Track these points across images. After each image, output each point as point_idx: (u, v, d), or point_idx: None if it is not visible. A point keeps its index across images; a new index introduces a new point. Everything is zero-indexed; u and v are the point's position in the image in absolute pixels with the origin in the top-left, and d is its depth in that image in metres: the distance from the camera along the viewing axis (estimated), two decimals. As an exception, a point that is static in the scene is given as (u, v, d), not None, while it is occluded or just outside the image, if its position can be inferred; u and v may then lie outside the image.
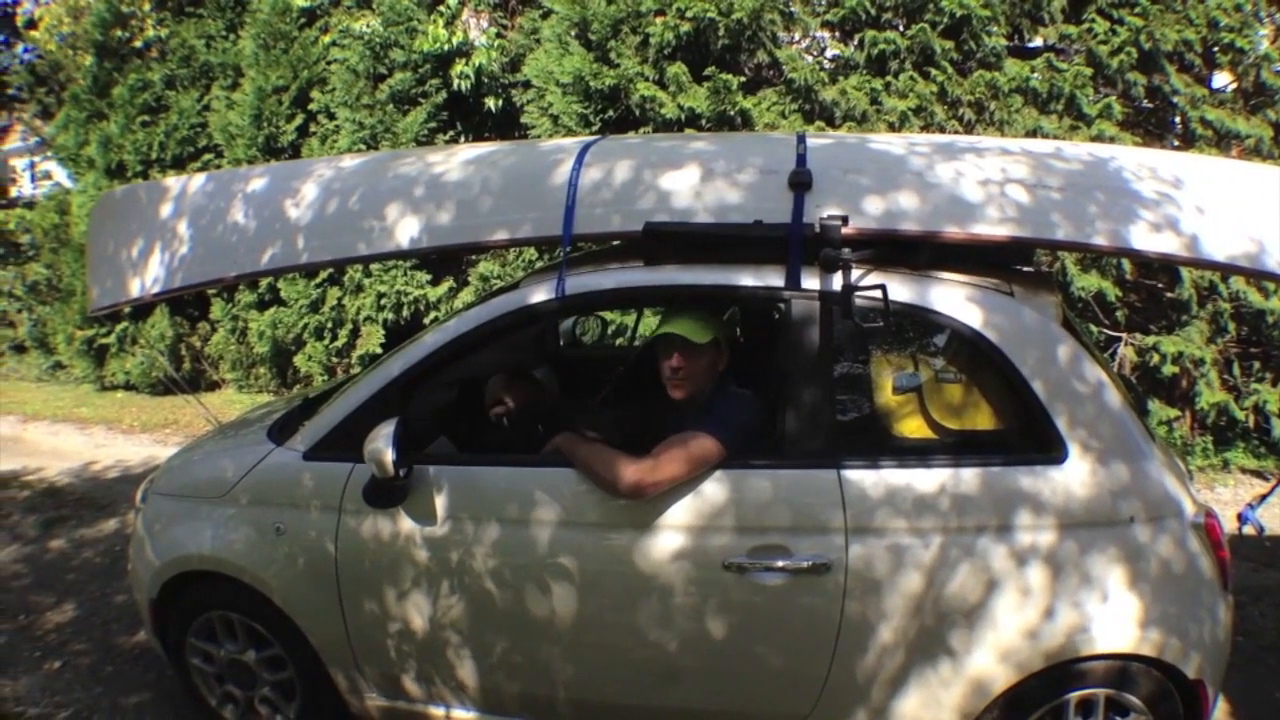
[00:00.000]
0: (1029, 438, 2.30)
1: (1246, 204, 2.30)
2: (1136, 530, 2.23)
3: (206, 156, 8.86)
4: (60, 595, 4.30)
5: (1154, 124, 5.83)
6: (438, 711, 2.68)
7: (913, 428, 2.38)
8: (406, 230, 2.61)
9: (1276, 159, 5.25)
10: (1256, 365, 5.64)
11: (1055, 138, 5.34)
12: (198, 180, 3.09)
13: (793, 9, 6.21)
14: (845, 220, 2.28)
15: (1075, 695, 2.30)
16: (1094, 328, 5.56)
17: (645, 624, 2.38)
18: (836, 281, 2.26)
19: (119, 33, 8.99)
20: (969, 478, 2.24)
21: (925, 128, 5.71)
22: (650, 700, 2.49)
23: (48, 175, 17.42)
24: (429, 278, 7.61)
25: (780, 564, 2.27)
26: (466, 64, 7.38)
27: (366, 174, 2.86)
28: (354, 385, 2.70)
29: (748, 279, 2.38)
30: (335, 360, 8.06)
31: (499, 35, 7.73)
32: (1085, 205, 2.29)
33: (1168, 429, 5.54)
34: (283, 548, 2.65)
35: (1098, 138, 5.32)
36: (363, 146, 7.50)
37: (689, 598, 2.34)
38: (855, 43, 6.14)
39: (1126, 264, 5.44)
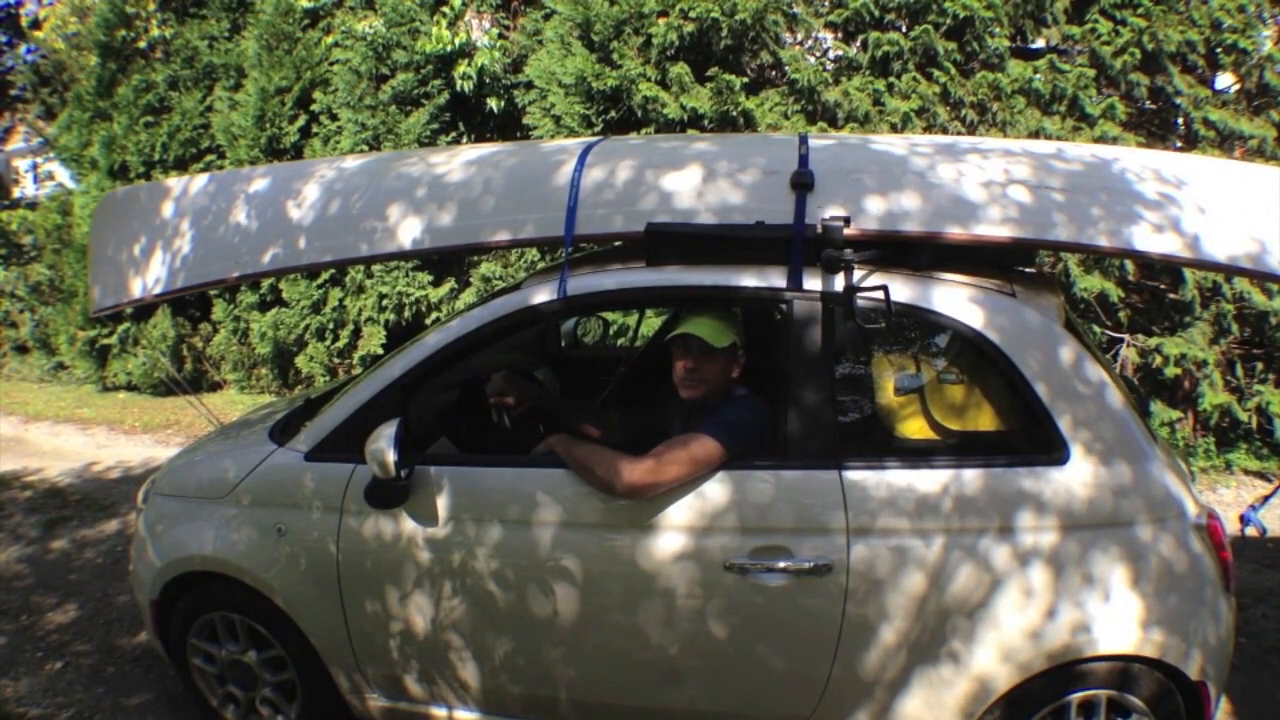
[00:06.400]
0: (1031, 439, 2.30)
1: (1249, 205, 2.30)
2: (1138, 531, 2.23)
3: (209, 157, 8.87)
4: (62, 596, 4.30)
5: (1157, 125, 5.82)
6: (439, 712, 2.68)
7: (914, 429, 2.38)
8: (408, 231, 2.61)
9: (1279, 160, 5.24)
10: (1259, 366, 5.63)
11: (1058, 139, 5.33)
12: (200, 181, 3.09)
13: (796, 10, 6.21)
14: (847, 221, 2.29)
15: (1077, 696, 2.30)
16: (1096, 329, 5.55)
17: (647, 625, 2.38)
18: (838, 282, 2.26)
19: (123, 33, 8.99)
20: (971, 479, 2.24)
21: (928, 129, 5.71)
22: (652, 701, 2.49)
23: (50, 176, 17.47)
24: (431, 279, 7.61)
25: (782, 565, 2.27)
26: (469, 65, 7.38)
27: (368, 175, 2.86)
28: (355, 386, 2.70)
29: (750, 280, 2.38)
30: (337, 361, 8.06)
31: (501, 36, 7.74)
32: (1088, 206, 2.29)
33: (1170, 430, 5.53)
34: (284, 548, 2.65)
35: (1100, 139, 5.31)
36: (365, 147, 7.51)
37: (691, 599, 2.34)
38: (858, 44, 6.14)
39: (1129, 265, 5.43)
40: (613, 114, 6.48)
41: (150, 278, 2.95)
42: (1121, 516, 2.23)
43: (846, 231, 2.25)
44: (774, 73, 6.52)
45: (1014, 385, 2.27)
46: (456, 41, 7.34)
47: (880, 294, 2.19)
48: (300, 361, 8.18)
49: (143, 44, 9.12)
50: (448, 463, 2.58)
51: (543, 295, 2.50)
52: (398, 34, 7.44)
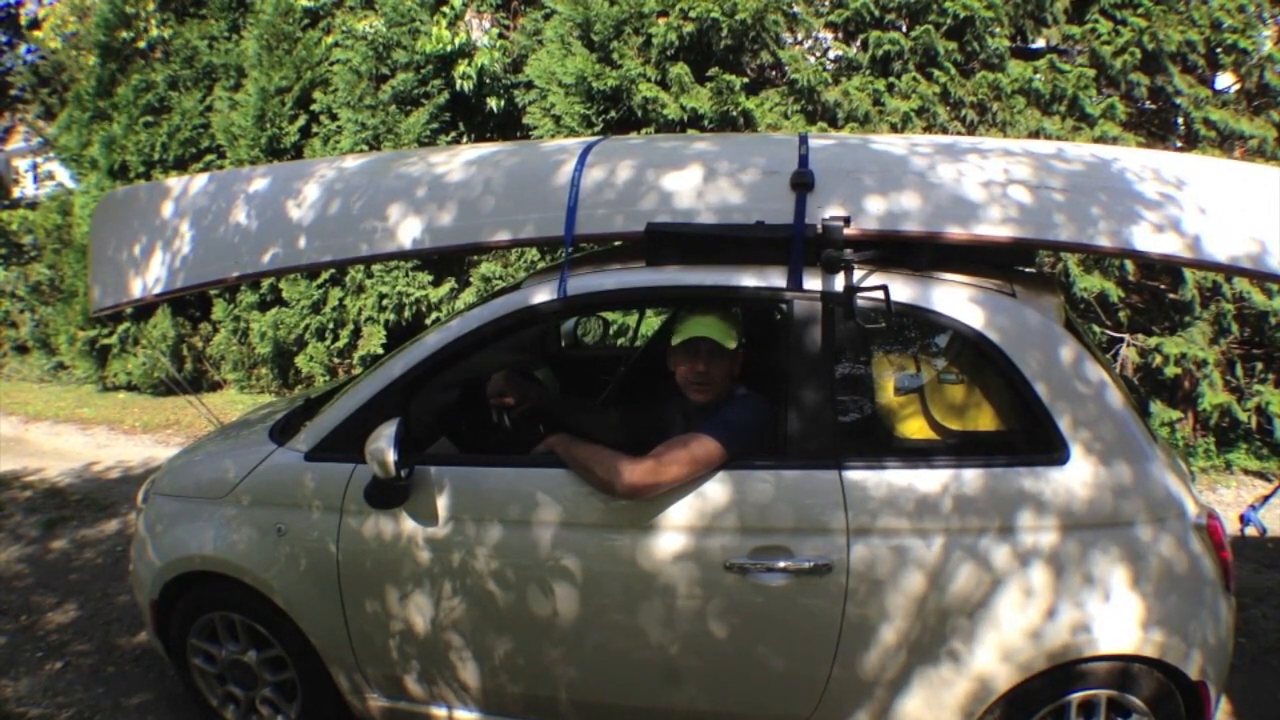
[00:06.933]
0: (1031, 439, 2.30)
1: (1249, 205, 2.30)
2: (1138, 531, 2.23)
3: (209, 157, 8.88)
4: (62, 596, 4.31)
5: (1157, 125, 5.82)
6: (439, 712, 2.68)
7: (914, 429, 2.38)
8: (408, 231, 2.61)
9: (1279, 160, 5.24)
10: (1259, 366, 5.63)
11: (1058, 139, 5.33)
12: (200, 181, 3.09)
13: (796, 10, 6.21)
14: (847, 221, 2.29)
15: (1077, 696, 2.30)
16: (1096, 329, 5.55)
17: (647, 625, 2.38)
18: (838, 282, 2.26)
19: (123, 33, 9.00)
20: (971, 479, 2.24)
21: (928, 129, 5.71)
22: (652, 701, 2.49)
23: (50, 176, 17.48)
24: (431, 278, 7.62)
25: (782, 565, 2.27)
26: (469, 64, 7.38)
27: (368, 174, 2.86)
28: (355, 386, 2.70)
29: (750, 280, 2.38)
30: (337, 361, 8.06)
31: (501, 36, 7.74)
32: (1088, 206, 2.29)
33: (1170, 430, 5.53)
34: (284, 548, 2.65)
35: (1100, 139, 5.31)
36: (365, 147, 7.51)
37: (691, 599, 2.34)
38: (858, 44, 6.14)
39: (1129, 265, 5.43)
40: (613, 114, 6.48)
41: (150, 277, 2.95)
42: (1121, 516, 2.23)
43: (846, 231, 2.25)
44: (774, 73, 6.52)
45: (1014, 385, 2.27)
46: (456, 41, 7.34)
47: (880, 294, 2.19)
48: (300, 361, 8.18)
49: (142, 44, 9.12)
50: (448, 463, 2.58)
51: (543, 295, 2.50)
52: (398, 34, 7.44)
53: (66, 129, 9.70)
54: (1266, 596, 3.93)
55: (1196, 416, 5.63)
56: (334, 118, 7.97)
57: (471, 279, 7.58)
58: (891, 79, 5.84)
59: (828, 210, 2.33)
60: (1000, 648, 2.23)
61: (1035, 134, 5.48)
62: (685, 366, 2.50)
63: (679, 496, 2.33)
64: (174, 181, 3.16)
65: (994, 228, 2.29)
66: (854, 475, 2.28)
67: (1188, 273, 5.23)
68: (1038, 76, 5.56)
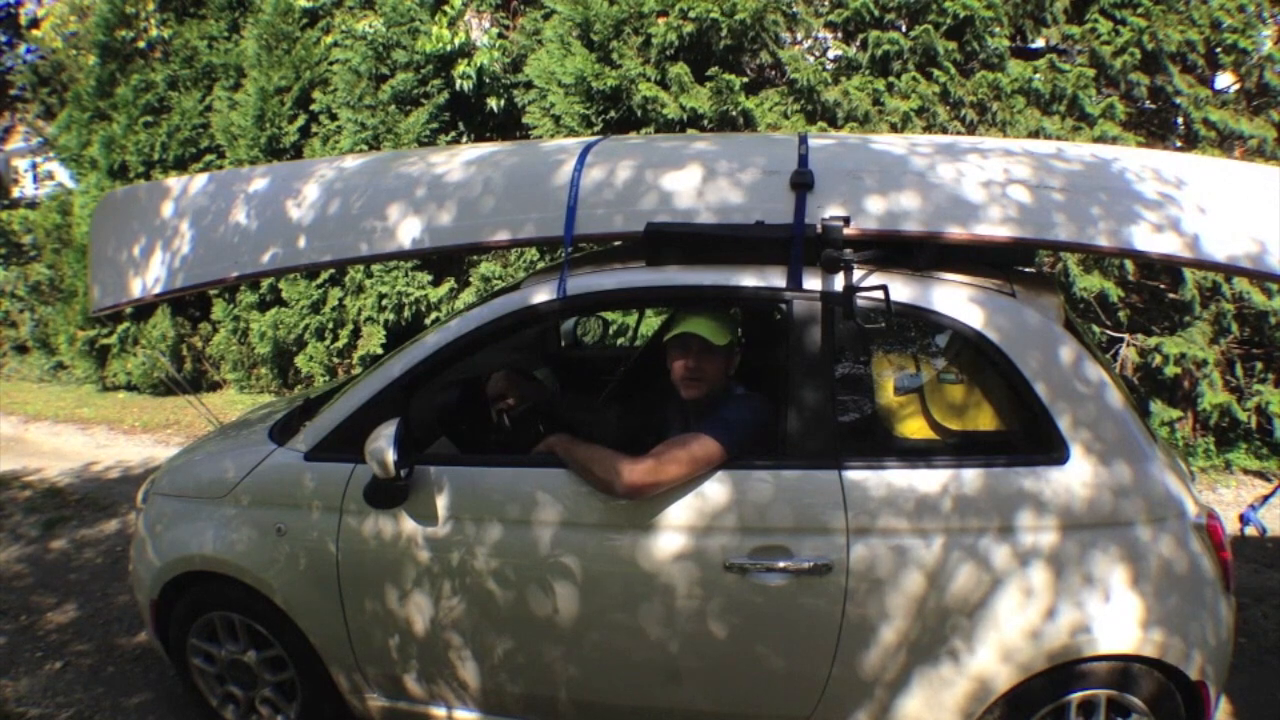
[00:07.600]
0: (1031, 439, 2.30)
1: (1249, 205, 2.30)
2: (1138, 531, 2.23)
3: (209, 157, 8.87)
4: (61, 596, 4.30)
5: (1157, 125, 5.82)
6: (439, 712, 2.68)
7: (914, 428, 2.38)
8: (408, 230, 2.61)
9: (1279, 160, 5.24)
10: (1259, 366, 5.63)
11: (1058, 138, 5.33)
12: (199, 181, 3.09)
13: (795, 10, 6.21)
14: (847, 221, 2.29)
15: (1077, 696, 2.30)
16: (1096, 329, 5.55)
17: (647, 625, 2.38)
18: (838, 282, 2.26)
19: (123, 33, 8.99)
20: (971, 478, 2.24)
21: (928, 128, 5.71)
22: (652, 701, 2.49)
23: (50, 176, 17.46)
24: (430, 278, 7.61)
25: (782, 565, 2.27)
26: (469, 64, 7.38)
27: (368, 174, 2.86)
28: (355, 386, 2.70)
29: (749, 279, 2.38)
30: (336, 361, 8.06)
31: (501, 35, 7.74)
32: (1087, 206, 2.29)
33: (1170, 430, 5.53)
34: (284, 548, 2.65)
35: (1100, 138, 5.31)
36: (365, 147, 7.50)
37: (691, 599, 2.34)
38: (858, 43, 6.14)
39: (1129, 265, 5.43)
40: (612, 114, 6.48)
41: (150, 277, 2.95)
42: (1121, 516, 2.23)
43: (846, 231, 2.26)
44: (774, 72, 6.51)
45: (1014, 385, 2.27)
46: (456, 41, 7.34)
47: (880, 294, 2.20)
48: (300, 361, 8.18)
49: (142, 44, 9.12)
50: (448, 463, 2.58)
51: (543, 295, 2.50)
52: (397, 34, 7.44)
53: (66, 129, 9.69)
54: (1266, 596, 3.93)
55: (1196, 416, 5.63)
56: (334, 118, 7.97)
57: (471, 279, 7.58)
58: (891, 79, 5.84)
59: (828, 210, 2.33)
60: (1000, 648, 2.23)
61: (1035, 134, 5.48)
62: (676, 362, 2.52)
63: (679, 496, 2.33)
64: (173, 181, 3.16)
65: (994, 228, 2.29)
66: (854, 475, 2.28)
67: (1188, 272, 5.23)
68: (1037, 76, 5.56)
